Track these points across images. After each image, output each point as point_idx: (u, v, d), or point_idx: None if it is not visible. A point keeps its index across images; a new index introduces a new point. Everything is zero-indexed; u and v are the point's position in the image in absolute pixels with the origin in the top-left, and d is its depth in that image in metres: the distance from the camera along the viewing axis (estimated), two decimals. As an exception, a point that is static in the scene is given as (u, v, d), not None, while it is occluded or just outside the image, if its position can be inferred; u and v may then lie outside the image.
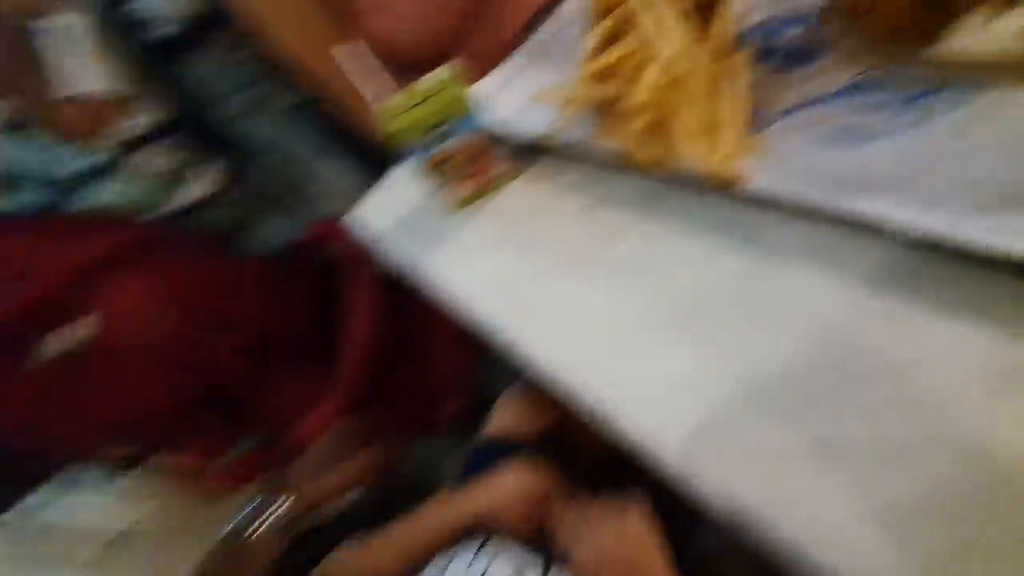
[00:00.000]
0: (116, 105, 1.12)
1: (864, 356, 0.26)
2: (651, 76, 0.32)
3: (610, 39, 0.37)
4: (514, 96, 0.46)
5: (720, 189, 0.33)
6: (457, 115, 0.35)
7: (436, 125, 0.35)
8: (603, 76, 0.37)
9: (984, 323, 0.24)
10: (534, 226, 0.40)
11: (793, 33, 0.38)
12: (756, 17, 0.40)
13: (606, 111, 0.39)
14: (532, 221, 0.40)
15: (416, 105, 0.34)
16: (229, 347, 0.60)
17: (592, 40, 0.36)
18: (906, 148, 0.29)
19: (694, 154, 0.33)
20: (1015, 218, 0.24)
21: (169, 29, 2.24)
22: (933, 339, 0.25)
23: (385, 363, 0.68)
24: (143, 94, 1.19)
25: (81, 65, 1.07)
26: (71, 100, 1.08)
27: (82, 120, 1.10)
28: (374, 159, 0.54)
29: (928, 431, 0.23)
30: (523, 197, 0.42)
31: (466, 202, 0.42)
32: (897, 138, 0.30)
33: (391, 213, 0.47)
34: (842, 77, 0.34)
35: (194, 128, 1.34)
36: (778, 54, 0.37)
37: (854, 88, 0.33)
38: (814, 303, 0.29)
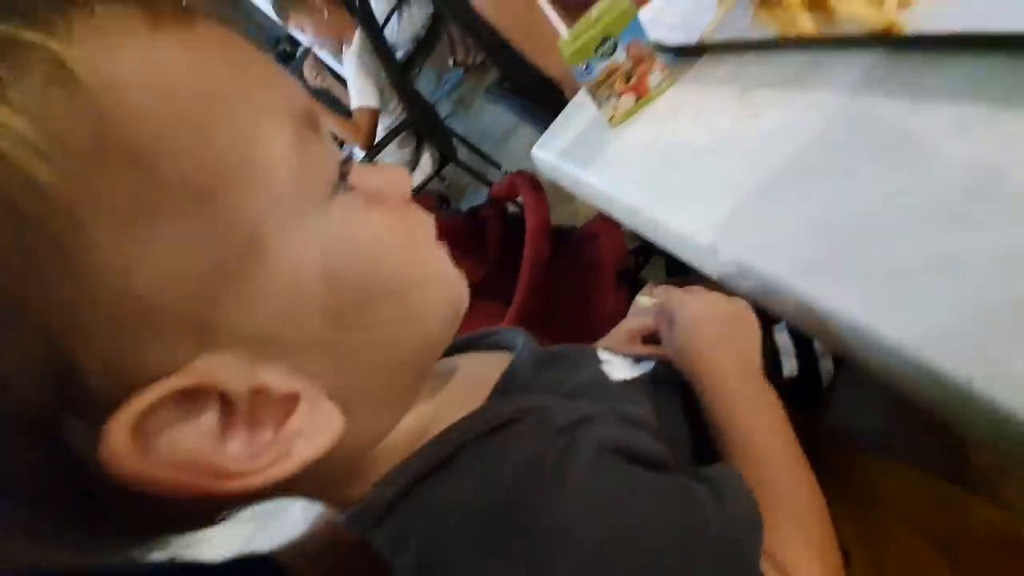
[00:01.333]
0: (370, 116, 1.54)
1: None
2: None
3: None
4: (676, 8, 0.50)
5: (884, 38, 0.32)
6: (622, 27, 0.42)
7: (605, 40, 0.42)
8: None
9: None
10: (687, 120, 0.43)
11: None
12: None
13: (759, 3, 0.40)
14: (685, 117, 0.44)
15: (589, 27, 0.43)
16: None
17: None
18: None
19: (857, 14, 0.33)
20: None
21: (405, 50, 2.83)
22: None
23: (549, 295, 0.77)
24: (389, 100, 1.59)
25: (363, 85, 1.49)
26: (361, 111, 1.52)
27: (367, 127, 1.53)
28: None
29: None
30: (679, 98, 0.46)
31: (629, 114, 0.48)
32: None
33: (564, 140, 0.56)
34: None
35: (419, 125, 1.70)
36: None
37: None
38: (966, 137, 0.26)
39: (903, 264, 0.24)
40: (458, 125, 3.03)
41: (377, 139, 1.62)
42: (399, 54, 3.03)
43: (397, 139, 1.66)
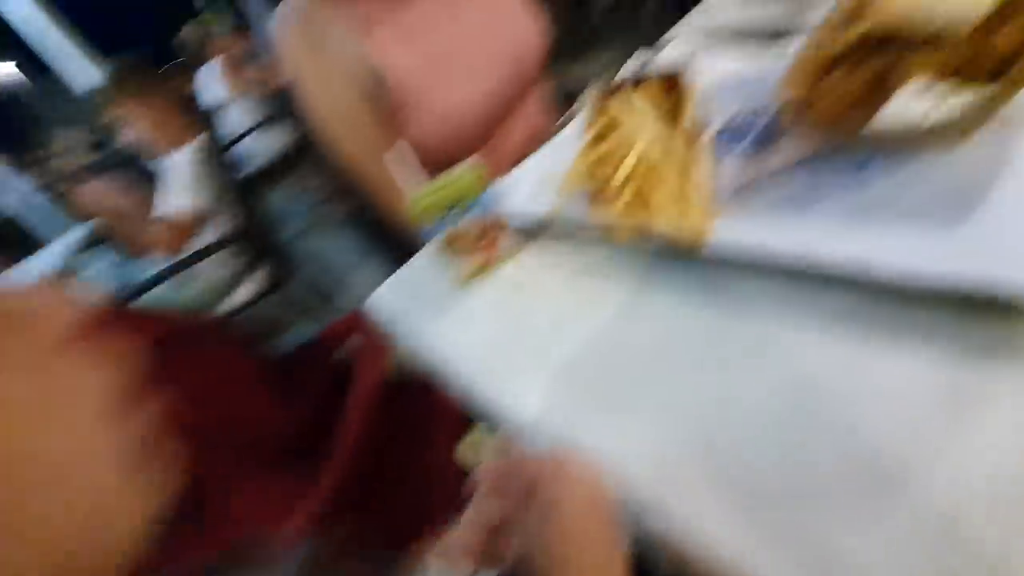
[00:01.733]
0: (196, 222, 1.33)
1: (824, 397, 0.27)
2: (629, 162, 0.38)
3: (601, 137, 0.44)
4: (524, 184, 0.53)
5: (689, 247, 0.36)
6: (473, 197, 0.41)
7: (455, 205, 0.41)
8: (595, 166, 0.44)
9: (933, 353, 0.26)
10: (527, 294, 0.43)
11: (758, 122, 0.45)
12: (728, 111, 0.47)
13: (598, 193, 0.45)
14: (528, 290, 0.44)
15: (439, 189, 0.41)
16: (220, 443, 0.59)
17: (588, 135, 0.44)
18: (852, 204, 0.32)
19: (667, 221, 0.37)
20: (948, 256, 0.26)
21: (257, 165, 2.66)
22: (885, 374, 0.27)
23: (376, 468, 0.65)
24: (219, 212, 1.41)
25: (178, 192, 1.30)
26: (163, 219, 1.29)
27: (169, 235, 1.30)
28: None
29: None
30: (525, 269, 0.46)
31: (474, 275, 0.47)
32: (845, 197, 0.33)
33: (406, 293, 0.51)
34: (797, 155, 0.39)
35: (254, 241, 1.52)
36: (745, 140, 0.44)
37: (808, 162, 0.38)
38: (776, 349, 0.30)
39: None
40: (302, 249, 2.88)
41: (198, 246, 1.40)
42: (251, 169, 2.88)
43: (224, 252, 1.46)
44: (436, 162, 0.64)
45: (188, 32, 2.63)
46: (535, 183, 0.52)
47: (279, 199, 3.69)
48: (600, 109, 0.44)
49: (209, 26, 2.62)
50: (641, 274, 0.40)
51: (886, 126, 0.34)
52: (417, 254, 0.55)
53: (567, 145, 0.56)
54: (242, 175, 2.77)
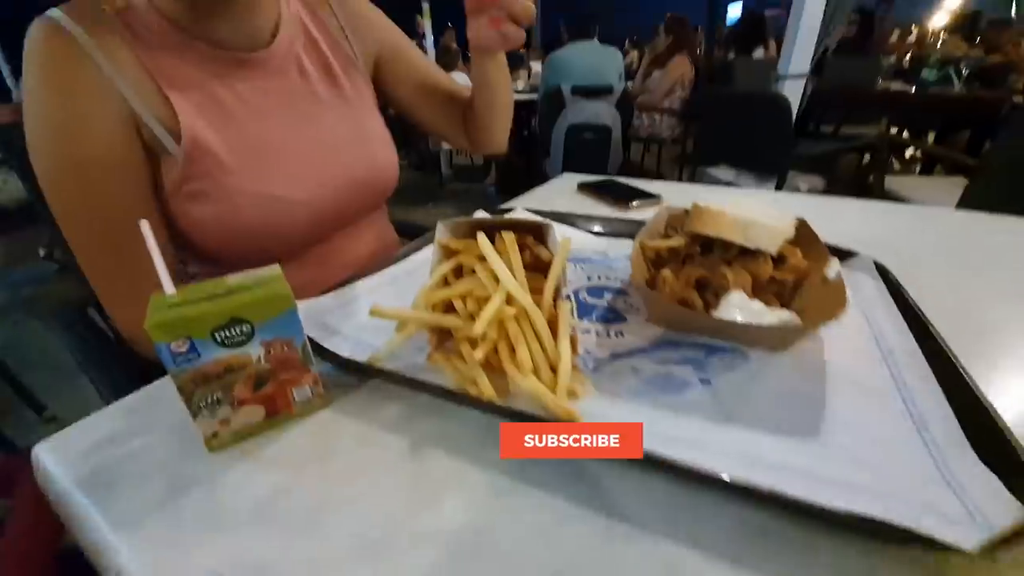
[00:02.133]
0: None
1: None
2: (488, 311, 0.32)
3: (453, 276, 0.38)
4: (345, 316, 0.42)
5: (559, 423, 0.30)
6: (270, 315, 0.28)
7: (236, 322, 0.27)
8: (442, 309, 0.36)
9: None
10: (334, 466, 0.29)
11: (607, 298, 0.45)
12: (578, 283, 0.47)
13: (441, 340, 0.37)
14: (335, 462, 0.30)
15: (217, 294, 0.27)
16: None
17: (436, 273, 0.37)
18: (706, 400, 0.31)
19: (531, 388, 0.30)
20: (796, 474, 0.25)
21: None
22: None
23: None
24: None
25: None
26: None
27: None
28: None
29: None
30: (328, 435, 0.32)
31: (244, 436, 0.31)
32: (698, 390, 0.32)
33: (95, 444, 0.31)
34: (649, 335, 0.39)
35: None
36: (595, 312, 0.42)
37: (661, 344, 0.37)
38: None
39: None
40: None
41: None
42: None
43: None
44: (228, 259, 0.51)
45: None
46: (360, 318, 0.41)
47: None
48: (451, 248, 0.39)
49: None
50: (491, 450, 0.30)
51: (721, 322, 0.36)
52: (146, 387, 0.36)
53: (405, 280, 0.49)
54: None
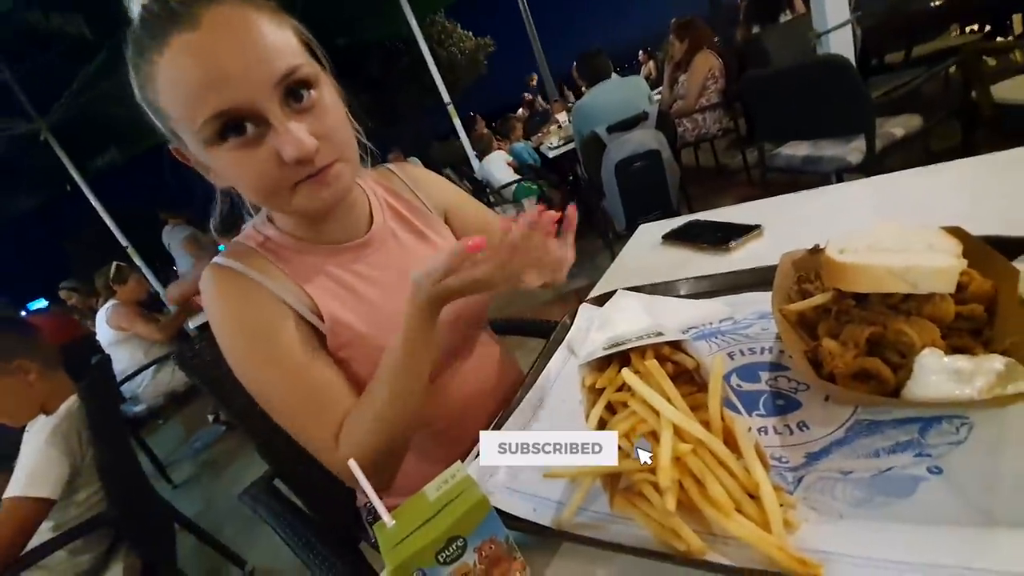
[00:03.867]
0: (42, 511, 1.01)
1: None
2: (666, 450, 0.31)
3: (608, 413, 0.38)
4: (516, 473, 0.43)
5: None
6: (475, 525, 0.30)
7: (452, 541, 0.29)
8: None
9: None
10: None
11: (765, 379, 0.42)
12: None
13: (615, 482, 0.36)
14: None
15: (427, 520, 0.30)
16: None
17: (592, 418, 0.37)
18: (947, 499, 0.27)
19: (745, 536, 0.28)
20: None
21: (149, 405, 2.43)
22: None
23: None
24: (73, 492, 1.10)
25: (30, 476, 1.01)
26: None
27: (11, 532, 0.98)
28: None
29: None
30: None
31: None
32: (931, 483, 0.28)
33: None
34: (837, 417, 0.35)
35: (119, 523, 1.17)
36: (762, 402, 0.40)
37: (858, 428, 0.34)
38: None
39: None
40: (195, 499, 2.36)
41: (42, 538, 1.03)
42: (139, 408, 2.52)
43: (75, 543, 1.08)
44: None
45: (98, 277, 2.68)
46: (525, 469, 0.42)
47: (168, 439, 3.19)
48: (597, 387, 0.39)
49: (126, 270, 2.71)
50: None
51: (927, 391, 0.31)
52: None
53: (549, 411, 0.49)
54: (130, 415, 2.42)
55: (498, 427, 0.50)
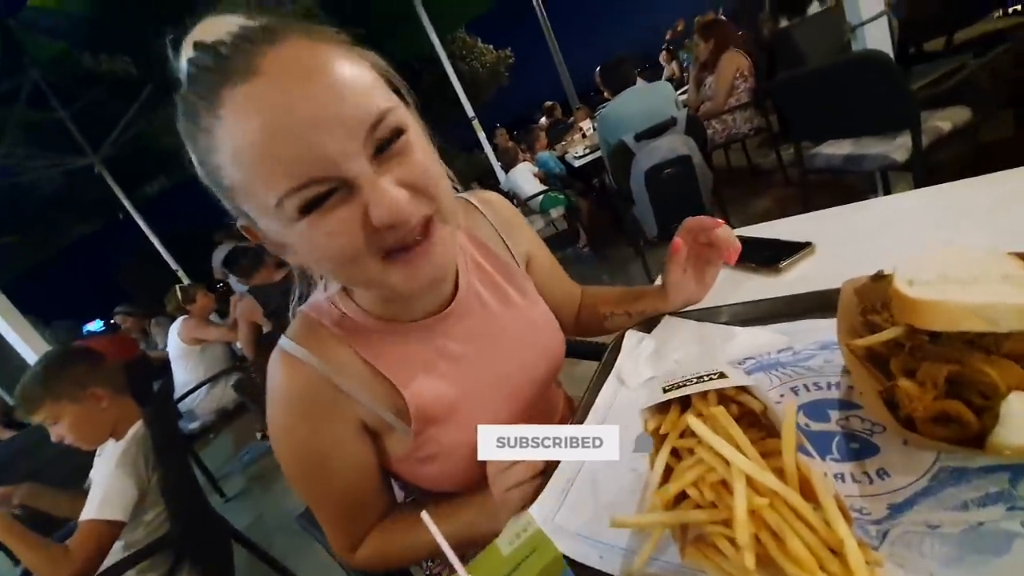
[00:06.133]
0: (115, 531, 1.07)
1: None
2: (742, 506, 0.31)
3: (674, 459, 0.38)
4: (571, 511, 0.43)
5: None
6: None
7: None
8: (677, 499, 0.36)
9: None
10: None
11: (835, 418, 0.40)
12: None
13: (684, 531, 0.36)
14: None
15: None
16: None
17: (658, 465, 0.37)
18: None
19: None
20: None
21: (203, 421, 2.57)
22: None
23: None
24: (142, 512, 1.16)
25: (105, 496, 1.07)
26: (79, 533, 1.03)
27: (85, 552, 1.04)
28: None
29: None
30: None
31: None
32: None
33: None
34: (920, 464, 0.34)
35: (182, 541, 1.23)
36: (835, 444, 0.38)
37: (944, 477, 0.32)
38: None
39: None
40: (245, 512, 2.46)
41: (113, 559, 1.10)
42: (194, 425, 2.65)
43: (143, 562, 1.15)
44: (443, 488, 0.57)
45: (169, 302, 2.88)
46: (585, 512, 0.42)
47: (217, 453, 3.33)
48: (660, 421, 0.39)
49: (191, 288, 2.87)
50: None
51: (1010, 438, 0.30)
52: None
53: (608, 468, 0.48)
54: (186, 431, 2.55)
55: (549, 470, 0.50)
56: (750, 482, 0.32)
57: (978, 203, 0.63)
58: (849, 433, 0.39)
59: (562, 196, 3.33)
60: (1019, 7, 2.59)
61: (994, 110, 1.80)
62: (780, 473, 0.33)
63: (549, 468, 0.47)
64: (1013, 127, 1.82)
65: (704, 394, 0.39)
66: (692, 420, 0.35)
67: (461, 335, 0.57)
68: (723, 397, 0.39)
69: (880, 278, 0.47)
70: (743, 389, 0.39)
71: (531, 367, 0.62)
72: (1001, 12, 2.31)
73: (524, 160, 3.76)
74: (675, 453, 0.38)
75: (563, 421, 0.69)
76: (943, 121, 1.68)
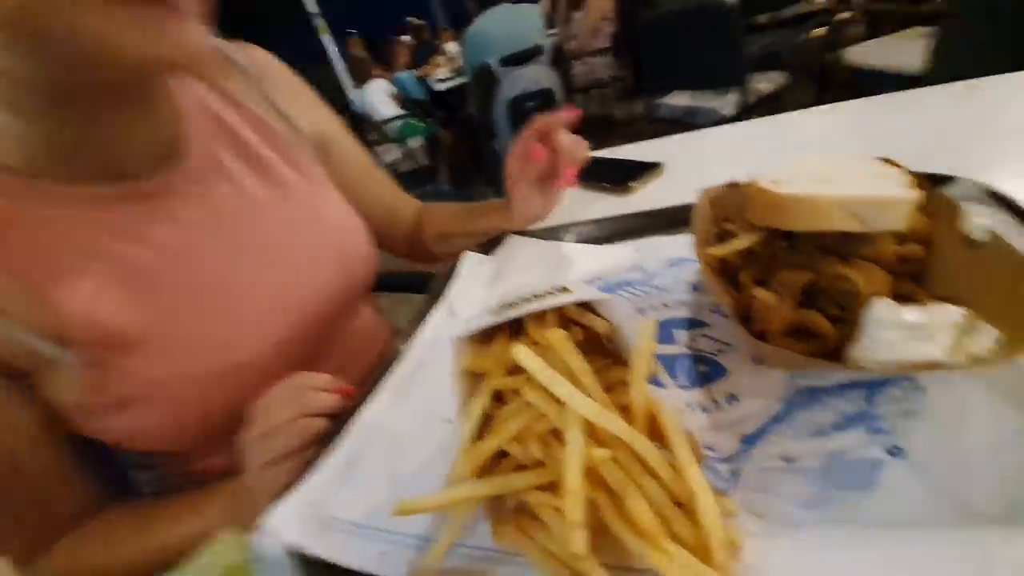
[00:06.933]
0: None
1: None
2: (575, 464, 0.21)
3: (494, 403, 0.27)
4: (352, 493, 0.30)
5: None
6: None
7: None
8: (497, 465, 0.25)
9: None
10: None
11: (682, 339, 0.34)
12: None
13: (498, 504, 0.26)
14: None
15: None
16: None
17: (471, 417, 0.25)
18: (913, 487, 0.21)
19: (674, 569, 0.20)
20: None
21: None
22: None
23: None
24: None
25: None
26: None
27: None
28: None
29: None
30: None
31: None
32: (893, 469, 0.22)
33: None
34: (772, 386, 0.29)
35: None
36: (681, 368, 0.32)
37: (798, 399, 0.27)
38: None
39: None
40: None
41: None
42: None
43: None
44: (197, 444, 0.39)
45: None
46: (376, 491, 0.30)
47: None
48: (481, 358, 0.28)
49: None
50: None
51: (873, 352, 0.26)
52: None
53: (418, 393, 0.37)
54: None
55: (343, 418, 0.36)
56: (589, 429, 0.23)
57: (819, 128, 0.64)
58: (696, 355, 0.33)
59: (422, 125, 3.02)
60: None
61: (803, 78, 2.07)
62: (626, 412, 0.24)
63: (327, 433, 0.33)
64: (814, 95, 2.13)
65: (541, 316, 0.29)
66: (519, 349, 0.24)
67: (184, 218, 0.38)
68: (564, 319, 0.29)
69: (736, 187, 0.42)
70: (588, 307, 0.29)
71: (315, 278, 0.45)
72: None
73: (381, 77, 3.29)
74: (501, 398, 0.27)
75: (373, 352, 0.53)
76: (763, 83, 1.88)
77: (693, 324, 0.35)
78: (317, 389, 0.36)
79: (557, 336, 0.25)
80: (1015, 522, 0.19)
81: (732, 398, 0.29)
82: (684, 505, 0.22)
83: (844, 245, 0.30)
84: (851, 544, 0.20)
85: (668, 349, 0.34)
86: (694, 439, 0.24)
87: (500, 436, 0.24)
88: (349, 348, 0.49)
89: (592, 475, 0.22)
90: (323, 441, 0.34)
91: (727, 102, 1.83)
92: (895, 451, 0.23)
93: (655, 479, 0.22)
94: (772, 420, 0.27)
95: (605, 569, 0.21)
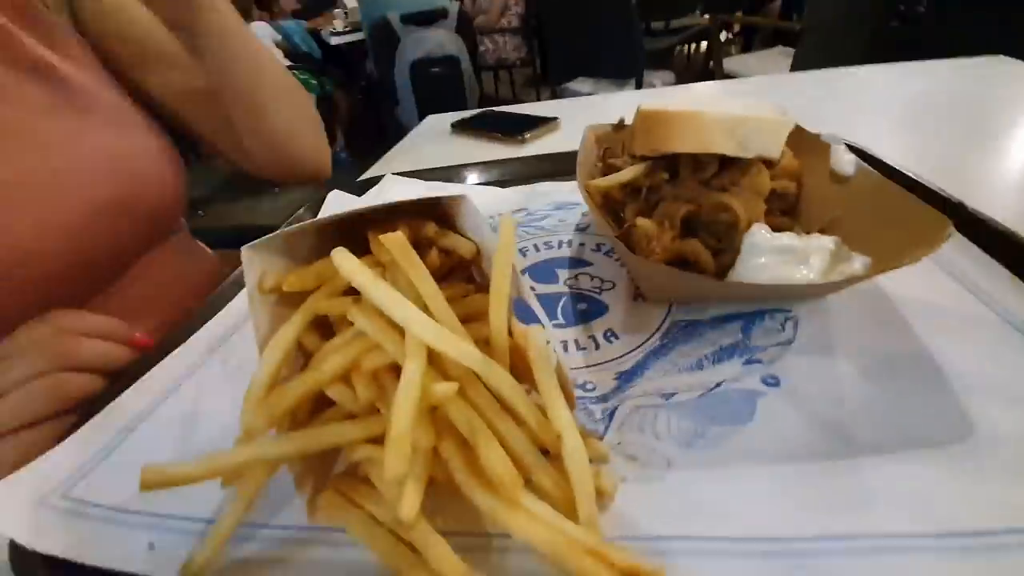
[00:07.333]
0: None
1: None
2: (408, 403, 0.16)
3: (314, 336, 0.20)
4: (112, 471, 0.21)
5: None
6: None
7: None
8: (308, 405, 0.19)
9: None
10: None
11: (564, 278, 0.30)
12: None
13: (312, 468, 0.20)
14: None
15: None
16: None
17: (275, 349, 0.18)
18: (789, 415, 0.20)
19: (532, 533, 0.15)
20: None
21: None
22: None
23: None
24: None
25: None
26: None
27: None
28: None
29: None
30: None
31: None
32: (770, 399, 0.20)
33: None
34: (650, 321, 0.26)
35: None
36: (560, 307, 0.28)
37: (675, 333, 0.25)
38: None
39: None
40: None
41: None
42: None
43: None
44: None
45: None
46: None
47: None
48: (290, 291, 0.21)
49: None
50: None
51: (750, 275, 0.24)
52: None
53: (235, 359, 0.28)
54: None
55: (130, 375, 0.27)
56: (433, 361, 0.18)
57: (713, 97, 0.66)
58: (577, 293, 0.29)
59: (314, 82, 2.71)
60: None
61: (688, 80, 2.26)
62: (485, 345, 0.19)
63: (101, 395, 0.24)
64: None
65: (386, 228, 0.22)
66: (340, 254, 0.18)
67: None
68: (419, 241, 0.24)
69: (622, 127, 0.40)
70: (445, 218, 0.24)
71: (94, 197, 0.35)
72: (701, 9, 2.96)
73: (262, 19, 2.87)
74: (324, 328, 0.21)
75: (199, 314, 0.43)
76: (655, 79, 2.00)
77: (575, 263, 0.32)
78: (86, 335, 0.26)
79: (395, 241, 0.19)
80: (890, 447, 0.17)
81: (611, 334, 0.26)
82: (549, 451, 0.18)
83: (720, 179, 0.29)
84: (728, 480, 0.18)
85: (549, 288, 0.30)
86: (564, 374, 0.20)
87: (317, 376, 0.18)
88: (151, 293, 0.38)
89: (437, 419, 0.17)
90: (96, 405, 0.24)
91: (624, 92, 1.91)
92: (771, 380, 0.21)
93: (514, 420, 0.18)
94: (651, 354, 0.24)
95: (445, 538, 0.16)
